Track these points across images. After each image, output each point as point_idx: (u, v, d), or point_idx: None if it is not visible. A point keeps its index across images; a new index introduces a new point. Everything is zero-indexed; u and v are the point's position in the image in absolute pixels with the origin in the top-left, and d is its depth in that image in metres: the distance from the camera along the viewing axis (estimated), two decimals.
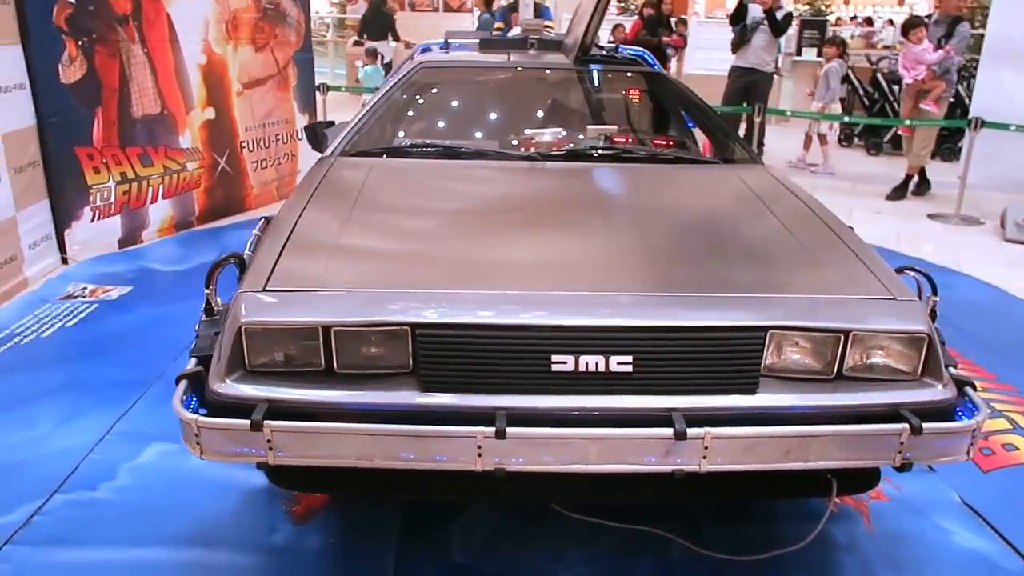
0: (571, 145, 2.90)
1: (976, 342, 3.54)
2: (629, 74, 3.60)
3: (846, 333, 1.73)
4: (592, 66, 3.47)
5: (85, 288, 3.97)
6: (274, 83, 5.72)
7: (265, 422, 1.59)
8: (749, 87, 7.33)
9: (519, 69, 3.54)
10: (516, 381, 1.66)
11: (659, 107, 3.51)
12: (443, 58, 3.61)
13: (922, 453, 1.68)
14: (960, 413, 1.77)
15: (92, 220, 4.42)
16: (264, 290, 1.77)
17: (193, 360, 1.78)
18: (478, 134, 3.14)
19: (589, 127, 3.20)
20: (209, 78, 5.12)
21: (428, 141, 2.89)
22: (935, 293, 2.07)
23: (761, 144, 7.54)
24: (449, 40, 4.07)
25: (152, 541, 2.11)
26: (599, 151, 2.86)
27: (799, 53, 11.12)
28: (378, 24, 12.62)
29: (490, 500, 2.18)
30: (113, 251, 4.56)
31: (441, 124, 3.25)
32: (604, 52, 3.79)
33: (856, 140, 9.40)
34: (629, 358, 1.66)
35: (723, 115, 6.50)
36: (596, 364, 1.65)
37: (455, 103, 3.40)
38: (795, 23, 10.98)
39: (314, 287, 1.78)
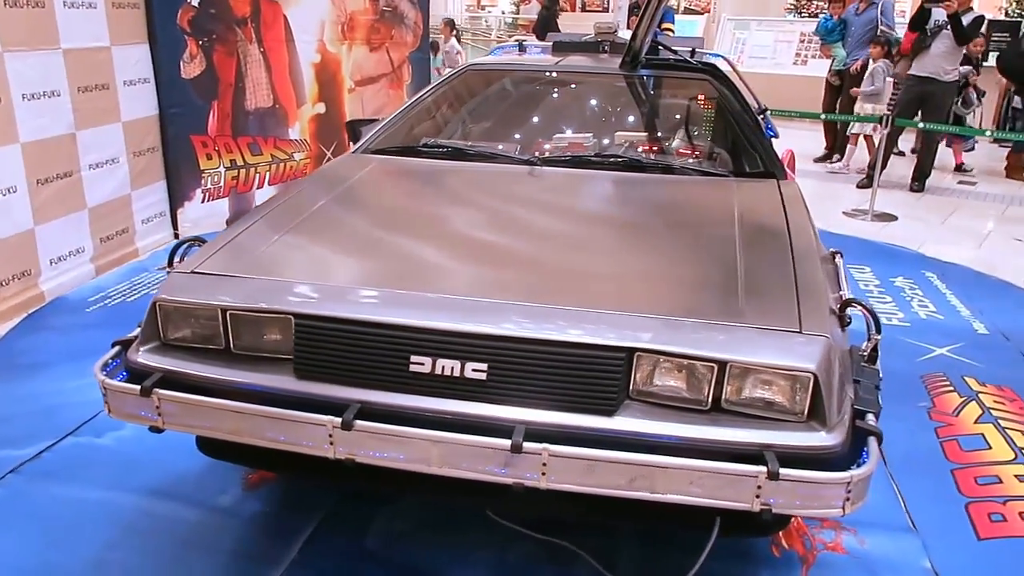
0: (576, 152, 2.88)
1: None
2: (680, 81, 3.48)
3: (722, 363, 1.63)
4: (642, 72, 3.39)
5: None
6: (387, 81, 6.06)
7: (154, 390, 1.77)
8: (925, 97, 6.65)
9: (566, 74, 3.53)
10: (377, 377, 1.72)
11: (703, 115, 3.37)
12: (491, 61, 3.68)
13: (785, 501, 1.54)
14: (860, 464, 1.60)
15: (203, 201, 4.94)
16: (192, 272, 1.96)
17: (137, 329, 2.00)
18: (498, 137, 3.18)
19: (617, 134, 3.16)
20: (322, 75, 5.53)
21: (439, 141, 2.98)
22: (878, 332, 1.88)
23: (931, 163, 6.90)
24: (523, 43, 4.16)
25: (122, 487, 2.39)
26: (605, 159, 2.82)
27: (985, 59, 9.98)
28: (543, 24, 13.21)
29: (341, 484, 2.29)
30: (220, 229, 5.05)
31: (467, 126, 3.32)
32: (673, 56, 3.65)
33: None
34: (484, 365, 1.66)
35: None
36: (452, 368, 1.67)
37: (488, 106, 3.46)
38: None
39: (238, 273, 1.94)
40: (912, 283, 4.40)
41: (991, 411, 2.95)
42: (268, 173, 5.30)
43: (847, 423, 1.64)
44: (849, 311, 1.90)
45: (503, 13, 21.19)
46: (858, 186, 6.86)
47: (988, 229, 5.66)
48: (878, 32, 7.24)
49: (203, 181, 4.91)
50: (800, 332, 1.68)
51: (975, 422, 2.87)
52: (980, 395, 3.07)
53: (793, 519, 2.25)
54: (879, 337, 1.88)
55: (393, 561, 2.11)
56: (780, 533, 2.22)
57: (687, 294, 1.89)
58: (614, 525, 2.17)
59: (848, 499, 1.54)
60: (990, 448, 2.69)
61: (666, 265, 2.07)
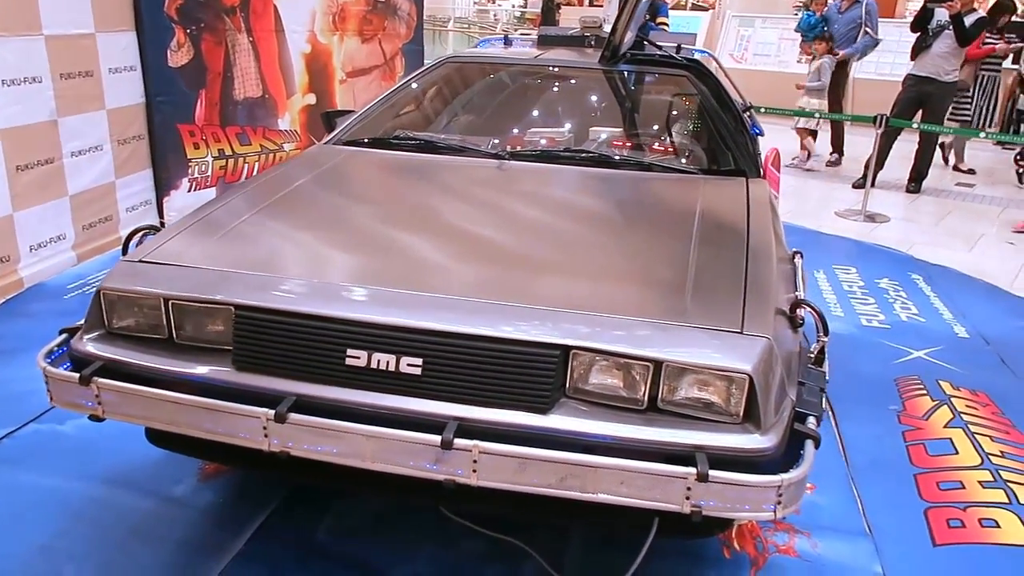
0: (547, 147, 2.87)
1: None
2: (661, 77, 3.45)
3: (658, 363, 1.61)
4: (622, 67, 3.36)
5: None
6: (379, 73, 6.04)
7: (94, 379, 1.77)
8: (924, 98, 6.58)
9: (544, 68, 3.51)
10: (313, 370, 1.71)
11: (680, 112, 3.34)
12: (470, 53, 3.65)
13: (716, 503, 1.53)
14: (795, 468, 1.58)
15: (189, 190, 4.94)
16: (140, 261, 1.95)
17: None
18: (471, 130, 3.16)
19: (591, 129, 3.13)
20: (313, 66, 5.52)
21: (409, 134, 2.96)
22: (826, 333, 1.86)
23: (928, 164, 6.82)
24: (508, 36, 4.14)
25: (78, 475, 2.39)
26: (574, 154, 2.79)
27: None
28: (546, 16, 13.48)
29: (281, 477, 2.29)
30: None
31: (442, 118, 3.30)
32: (657, 52, 3.58)
33: None
34: (419, 360, 1.65)
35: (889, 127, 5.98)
36: (387, 363, 1.66)
37: (464, 99, 3.44)
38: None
39: (185, 263, 1.93)
40: (897, 285, 4.36)
41: (962, 415, 2.91)
42: (257, 163, 5.29)
43: (785, 426, 1.61)
44: (801, 312, 1.88)
45: (512, 7, 21.20)
46: (853, 186, 6.80)
47: (981, 232, 5.60)
48: (862, 32, 7.23)
49: (190, 170, 4.91)
50: (741, 332, 1.66)
51: (945, 426, 2.84)
52: (952, 399, 3.04)
53: (747, 521, 2.23)
54: (826, 339, 1.86)
55: (341, 555, 2.11)
56: (732, 535, 2.20)
57: (634, 291, 1.87)
58: (558, 523, 2.16)
59: (780, 502, 1.52)
60: (957, 453, 2.66)
61: (618, 262, 2.05)
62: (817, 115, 6.98)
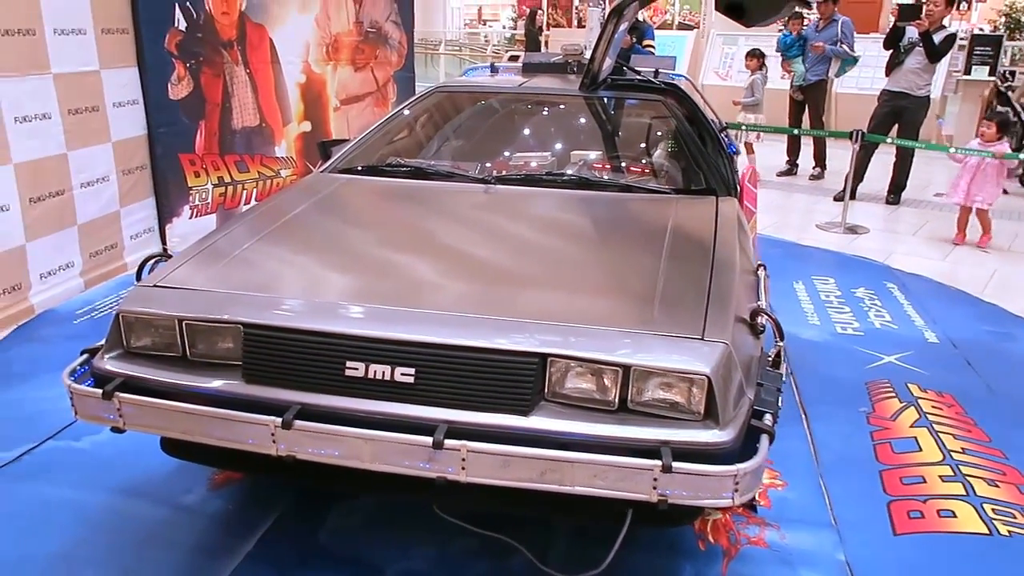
0: (530, 171, 3.06)
1: (1002, 402, 3.24)
2: (639, 102, 3.65)
3: (626, 367, 1.78)
4: (601, 93, 3.56)
5: None
6: (372, 99, 6.25)
7: (116, 393, 1.94)
8: (899, 112, 6.83)
9: (528, 95, 3.71)
10: (316, 381, 1.88)
11: (657, 135, 3.53)
12: (459, 82, 3.86)
13: (680, 492, 1.70)
14: (751, 459, 1.75)
15: (191, 217, 5.12)
16: (154, 286, 2.13)
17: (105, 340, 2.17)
18: (460, 156, 3.35)
19: (572, 153, 3.33)
20: (307, 95, 5.72)
21: (400, 161, 3.16)
22: (781, 339, 2.04)
23: (906, 176, 7.03)
24: (495, 64, 4.35)
25: (94, 487, 2.55)
26: (556, 177, 2.98)
27: (968, 72, 10.14)
28: (530, 40, 13.77)
29: (289, 480, 2.45)
30: None
31: (432, 145, 3.49)
32: (637, 78, 3.77)
33: None
34: (412, 370, 1.83)
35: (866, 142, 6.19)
36: (383, 373, 1.84)
37: (452, 126, 3.63)
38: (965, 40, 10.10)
39: (196, 286, 2.11)
40: (872, 294, 4.54)
41: (928, 416, 3.08)
42: (255, 190, 5.48)
43: (742, 422, 1.79)
44: (761, 320, 2.06)
45: (503, 28, 21.54)
46: (834, 199, 7.00)
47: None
48: (837, 45, 7.53)
49: (191, 198, 5.09)
50: (702, 339, 1.84)
51: (911, 426, 3.01)
52: (920, 401, 3.21)
53: (721, 515, 2.40)
54: (782, 344, 2.04)
55: (341, 554, 2.27)
56: (708, 529, 2.36)
57: (607, 303, 2.05)
58: (544, 518, 2.32)
59: (737, 490, 1.69)
60: (921, 450, 2.83)
61: (594, 277, 2.23)
62: (796, 132, 7.21)
